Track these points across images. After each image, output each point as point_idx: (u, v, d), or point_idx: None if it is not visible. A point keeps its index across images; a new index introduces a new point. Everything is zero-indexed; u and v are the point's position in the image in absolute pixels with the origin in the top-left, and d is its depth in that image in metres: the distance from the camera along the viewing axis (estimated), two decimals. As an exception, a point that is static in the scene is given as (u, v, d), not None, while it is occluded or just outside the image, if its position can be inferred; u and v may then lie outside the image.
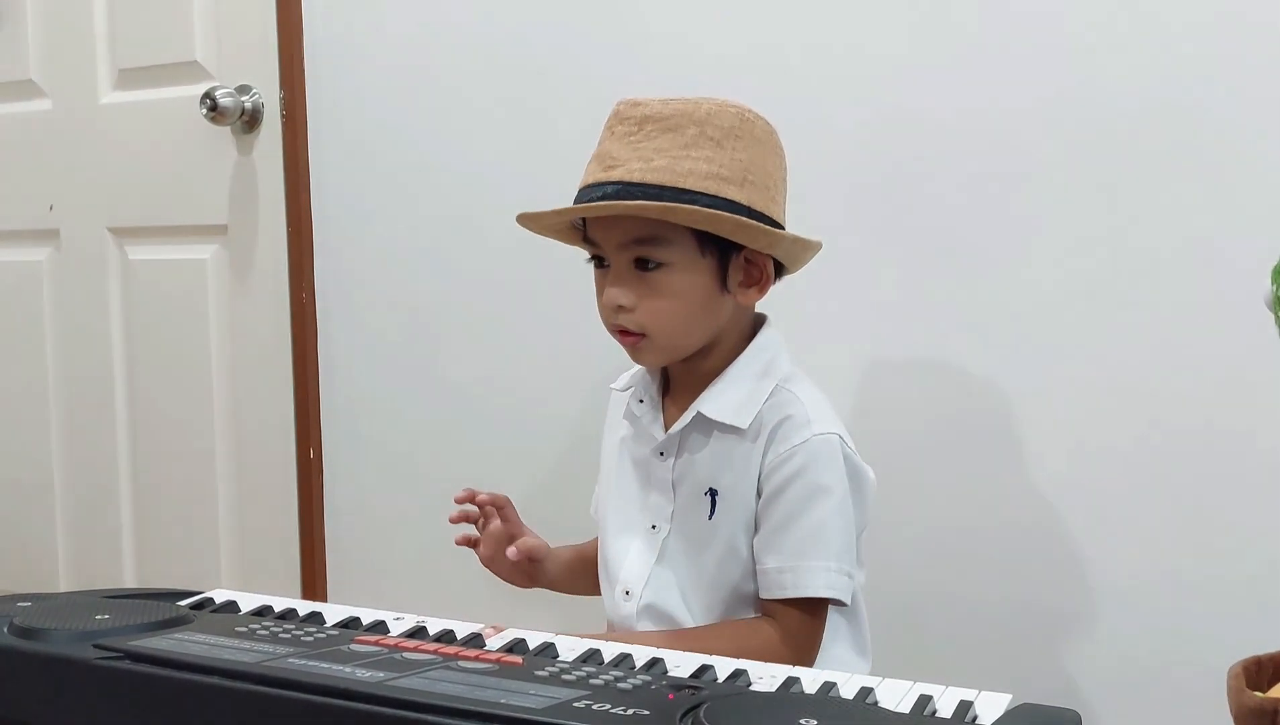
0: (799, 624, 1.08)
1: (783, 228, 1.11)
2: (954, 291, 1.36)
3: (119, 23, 1.94)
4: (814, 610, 1.08)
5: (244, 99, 1.80)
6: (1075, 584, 1.32)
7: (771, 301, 1.16)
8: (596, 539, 1.25)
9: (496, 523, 1.22)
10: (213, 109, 1.78)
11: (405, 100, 1.70)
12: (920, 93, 1.36)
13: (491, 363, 1.67)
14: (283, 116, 1.78)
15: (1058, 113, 1.29)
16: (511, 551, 1.18)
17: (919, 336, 1.39)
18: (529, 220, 1.15)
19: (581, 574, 1.26)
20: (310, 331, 1.80)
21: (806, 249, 1.12)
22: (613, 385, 1.24)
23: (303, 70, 1.77)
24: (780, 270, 1.14)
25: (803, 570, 1.07)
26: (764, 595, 1.09)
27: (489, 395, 1.67)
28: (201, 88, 1.79)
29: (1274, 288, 0.68)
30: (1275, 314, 0.68)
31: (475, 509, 1.23)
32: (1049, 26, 1.29)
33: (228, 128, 1.83)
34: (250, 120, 1.81)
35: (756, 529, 1.10)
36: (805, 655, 1.08)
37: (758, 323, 1.16)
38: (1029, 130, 1.31)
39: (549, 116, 1.56)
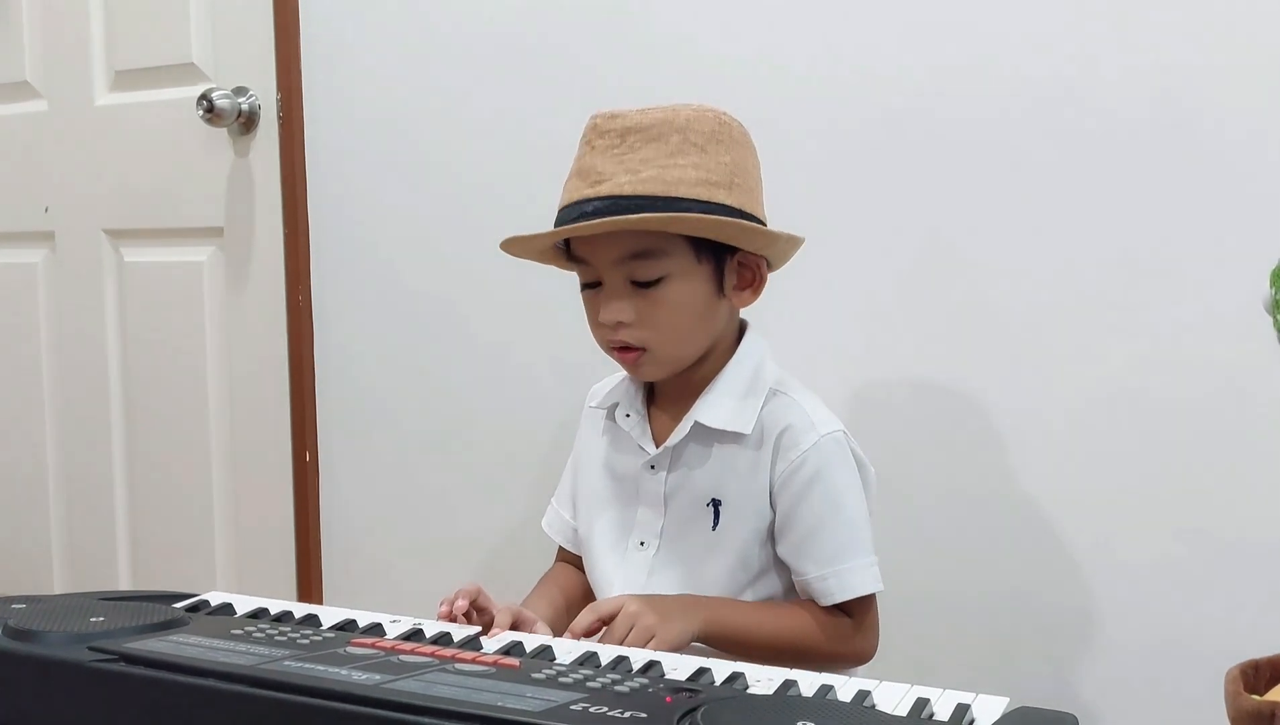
0: (858, 617, 1.10)
1: (767, 226, 1.11)
2: (949, 293, 1.36)
3: (115, 24, 1.93)
4: (866, 605, 1.11)
5: (240, 101, 1.80)
6: (1073, 588, 1.32)
7: (766, 305, 1.16)
8: (557, 574, 1.23)
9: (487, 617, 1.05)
10: (209, 111, 1.77)
11: (402, 102, 1.70)
12: (916, 94, 1.36)
13: (488, 365, 1.67)
14: (279, 118, 1.78)
15: (1054, 115, 1.29)
16: (502, 619, 1.02)
17: (913, 338, 1.39)
18: (514, 245, 1.11)
19: (568, 613, 1.17)
20: (306, 334, 1.80)
21: (793, 245, 1.12)
22: (590, 403, 1.22)
23: (300, 72, 1.77)
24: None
25: (845, 573, 1.08)
26: (810, 601, 1.10)
27: (486, 397, 1.67)
28: (198, 89, 1.78)
29: (1273, 291, 0.68)
30: (1274, 317, 0.68)
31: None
32: (1045, 30, 1.29)
33: (224, 129, 1.82)
34: (247, 122, 1.81)
35: (778, 537, 1.10)
36: (870, 642, 1.11)
37: (741, 329, 1.16)
38: (1024, 132, 1.31)
39: (546, 119, 1.56)
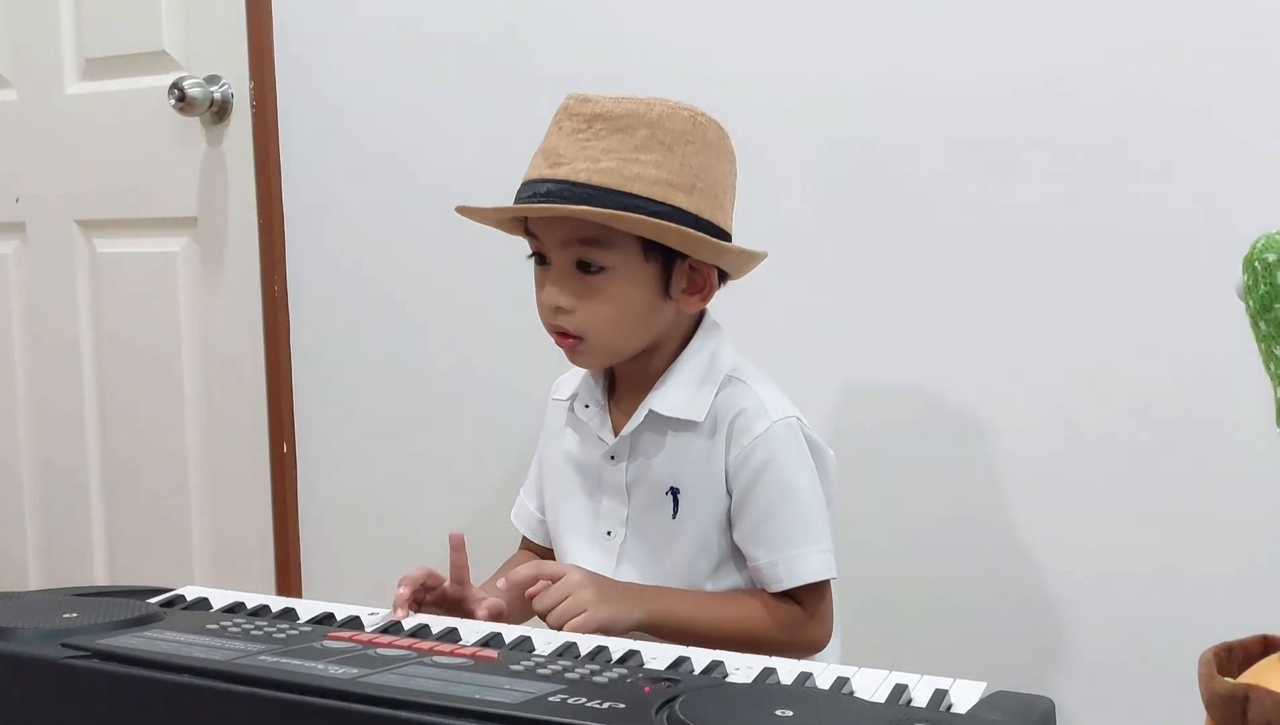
0: (810, 605, 1.10)
1: (729, 236, 1.10)
2: (923, 283, 1.36)
3: (85, 12, 1.91)
4: (818, 591, 1.10)
5: (213, 89, 1.78)
6: (1049, 573, 1.33)
7: (743, 294, 1.15)
8: (520, 559, 1.23)
9: (438, 592, 1.07)
10: (181, 99, 1.75)
11: (377, 90, 1.69)
12: (890, 85, 1.36)
13: (466, 354, 1.66)
14: (253, 107, 1.77)
15: (1035, 104, 1.30)
16: (482, 614, 1.05)
17: (894, 328, 1.39)
18: (469, 214, 1.12)
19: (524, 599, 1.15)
20: (282, 324, 1.79)
21: (751, 259, 1.11)
22: (554, 395, 1.22)
23: (272, 60, 1.75)
24: (724, 276, 1.12)
25: (795, 559, 1.08)
26: (764, 588, 1.10)
27: (464, 387, 1.66)
28: (170, 78, 1.77)
29: (1245, 277, 0.68)
30: (1246, 303, 0.69)
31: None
32: (1022, 21, 1.29)
33: (197, 118, 1.81)
34: (219, 111, 1.80)
35: (733, 523, 1.10)
36: (823, 630, 1.10)
37: (699, 317, 1.15)
38: (1005, 121, 1.31)
39: (522, 106, 1.55)
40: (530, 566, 1.04)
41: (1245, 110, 1.21)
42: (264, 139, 1.77)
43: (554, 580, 1.02)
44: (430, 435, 1.70)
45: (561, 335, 1.09)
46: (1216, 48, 1.22)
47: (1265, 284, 0.66)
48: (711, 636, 1.02)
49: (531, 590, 1.02)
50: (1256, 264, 0.66)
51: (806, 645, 1.10)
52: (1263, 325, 0.67)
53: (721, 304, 1.16)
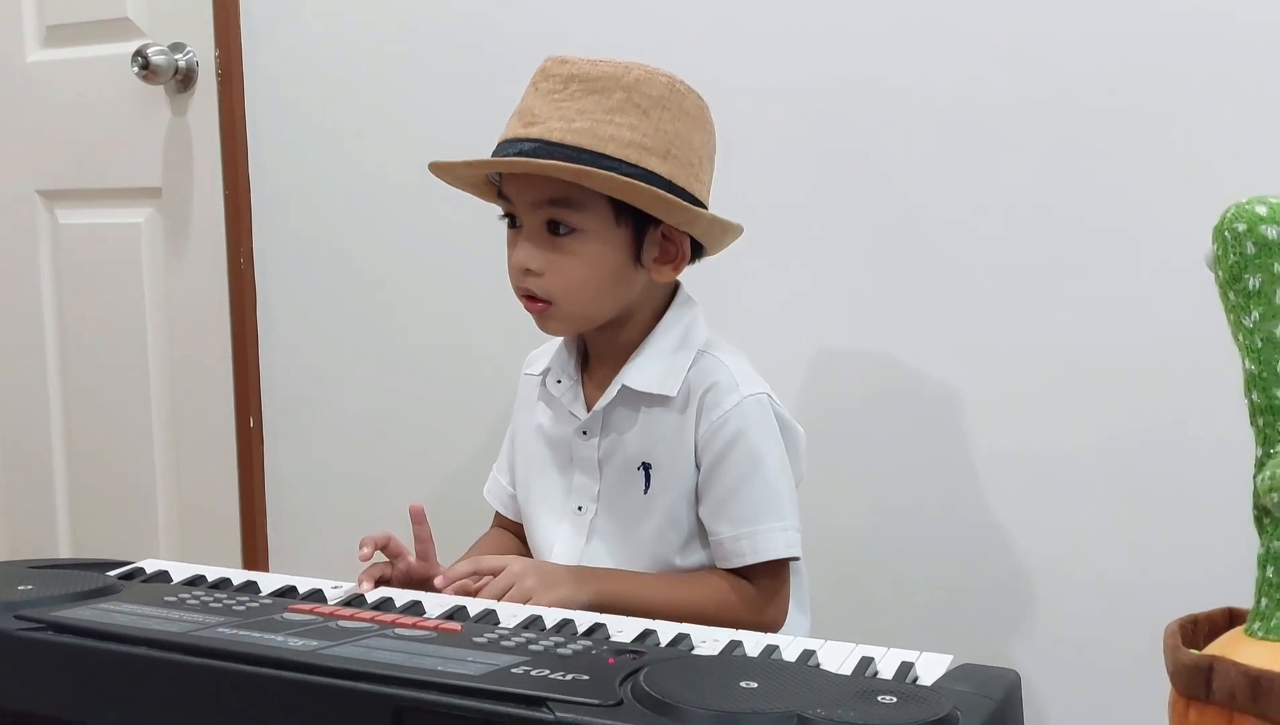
0: (768, 585, 1.09)
1: (705, 205, 1.09)
2: (898, 259, 1.36)
3: (46, -23, 1.88)
4: (777, 571, 1.09)
5: (177, 57, 1.75)
6: (1016, 547, 1.33)
7: (717, 273, 1.14)
8: (491, 539, 1.22)
9: (404, 563, 1.07)
10: (145, 67, 1.72)
11: (345, 59, 1.66)
12: (866, 65, 1.35)
13: (434, 328, 1.64)
14: (218, 75, 1.74)
15: (1011, 88, 1.28)
16: (439, 582, 1.01)
17: (865, 308, 1.38)
18: (441, 170, 1.11)
19: None
20: (249, 297, 1.76)
21: (726, 231, 1.09)
22: (526, 370, 1.21)
23: (239, 27, 1.72)
24: (699, 251, 1.11)
25: (760, 535, 1.07)
26: (724, 565, 1.09)
27: (432, 361, 1.65)
28: (133, 45, 1.73)
29: (1214, 247, 0.68)
30: (1215, 274, 0.68)
31: (385, 559, 1.07)
32: (1010, 8, 1.29)
33: (161, 87, 1.77)
34: (184, 79, 1.76)
35: (699, 498, 1.10)
36: (780, 612, 1.09)
37: (673, 291, 1.14)
38: (981, 105, 1.30)
39: (493, 76, 1.53)
40: (468, 563, 1.03)
41: (1215, 96, 1.21)
42: (230, 108, 1.74)
43: (494, 574, 1.01)
44: (398, 410, 1.68)
45: (530, 299, 1.08)
46: (1195, 24, 1.21)
47: (1235, 253, 0.66)
48: (664, 616, 1.01)
49: (474, 587, 1.00)
50: (1226, 233, 0.66)
51: (760, 627, 1.08)
52: (1232, 295, 0.67)
53: (696, 282, 1.16)
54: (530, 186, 1.05)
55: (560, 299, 1.07)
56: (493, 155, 1.06)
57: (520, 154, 1.03)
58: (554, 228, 1.05)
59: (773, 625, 1.09)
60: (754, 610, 1.08)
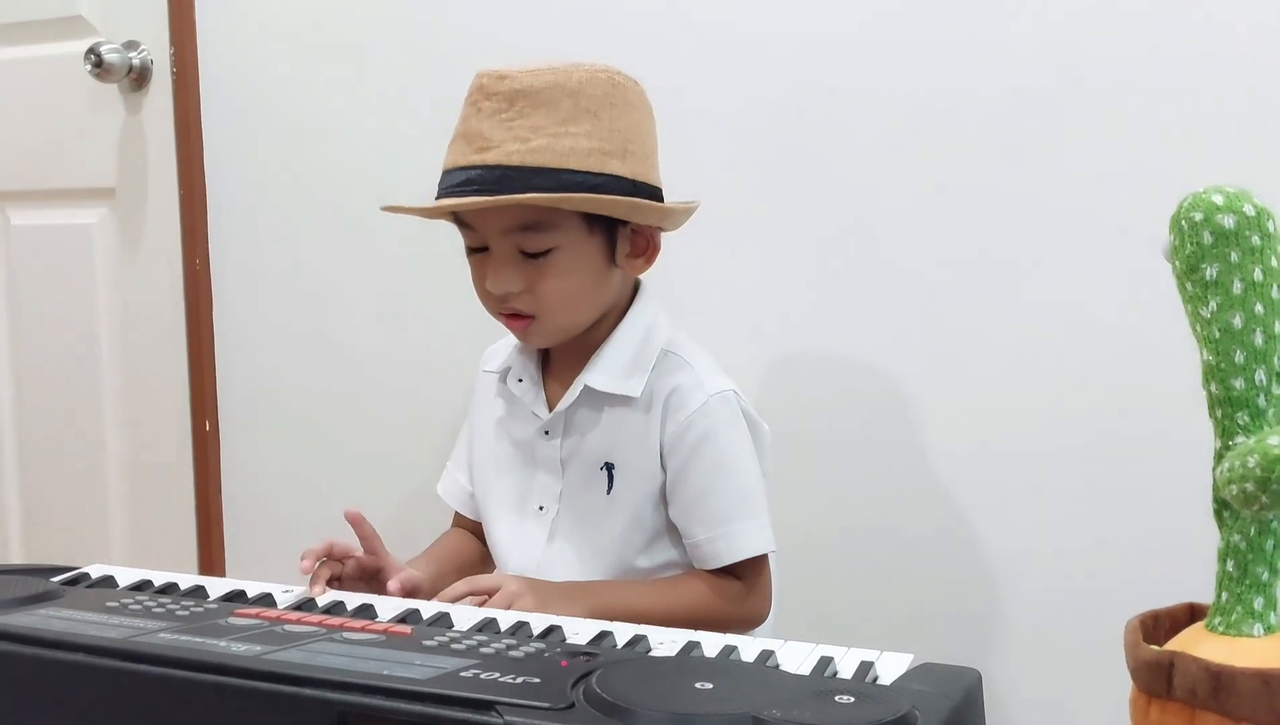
0: (749, 579, 1.08)
1: (661, 193, 1.08)
2: (857, 256, 1.35)
3: (-3, -27, 1.84)
4: (756, 564, 1.08)
5: (131, 55, 1.73)
6: (976, 544, 1.33)
7: (676, 268, 1.13)
8: (450, 540, 1.20)
9: (353, 560, 1.05)
10: (98, 65, 1.70)
11: (302, 58, 1.64)
12: (826, 62, 1.34)
13: (390, 331, 1.62)
14: (173, 74, 1.71)
15: (966, 76, 1.29)
16: (394, 586, 1.01)
17: (829, 303, 1.38)
18: (398, 212, 1.08)
19: (456, 576, 1.11)
20: (205, 299, 1.74)
21: (687, 213, 1.10)
22: (484, 367, 1.19)
23: (193, 25, 1.70)
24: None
25: (735, 535, 1.06)
26: (701, 567, 1.08)
27: (388, 364, 1.63)
28: (86, 43, 1.71)
29: (1172, 238, 0.67)
30: (1173, 265, 0.67)
31: (333, 562, 1.05)
32: (953, 2, 1.29)
33: (114, 86, 1.75)
34: (138, 78, 1.74)
35: (669, 500, 1.08)
36: (764, 602, 1.10)
37: (634, 288, 1.13)
38: (938, 93, 1.30)
39: (451, 77, 1.49)
40: (463, 583, 0.99)
41: (1177, 78, 1.21)
42: (185, 107, 1.71)
43: (490, 593, 0.98)
44: (356, 412, 1.66)
45: (514, 317, 1.06)
46: (1142, 26, 1.22)
47: (1192, 244, 0.65)
48: (659, 623, 0.99)
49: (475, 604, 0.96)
50: (1183, 223, 0.65)
51: (747, 619, 1.09)
52: (1189, 286, 0.66)
53: (655, 279, 1.14)
54: (498, 216, 1.02)
55: (545, 313, 1.05)
56: (443, 181, 1.03)
57: (479, 180, 1.00)
58: (528, 250, 1.03)
59: (758, 616, 1.09)
60: (738, 605, 1.08)
